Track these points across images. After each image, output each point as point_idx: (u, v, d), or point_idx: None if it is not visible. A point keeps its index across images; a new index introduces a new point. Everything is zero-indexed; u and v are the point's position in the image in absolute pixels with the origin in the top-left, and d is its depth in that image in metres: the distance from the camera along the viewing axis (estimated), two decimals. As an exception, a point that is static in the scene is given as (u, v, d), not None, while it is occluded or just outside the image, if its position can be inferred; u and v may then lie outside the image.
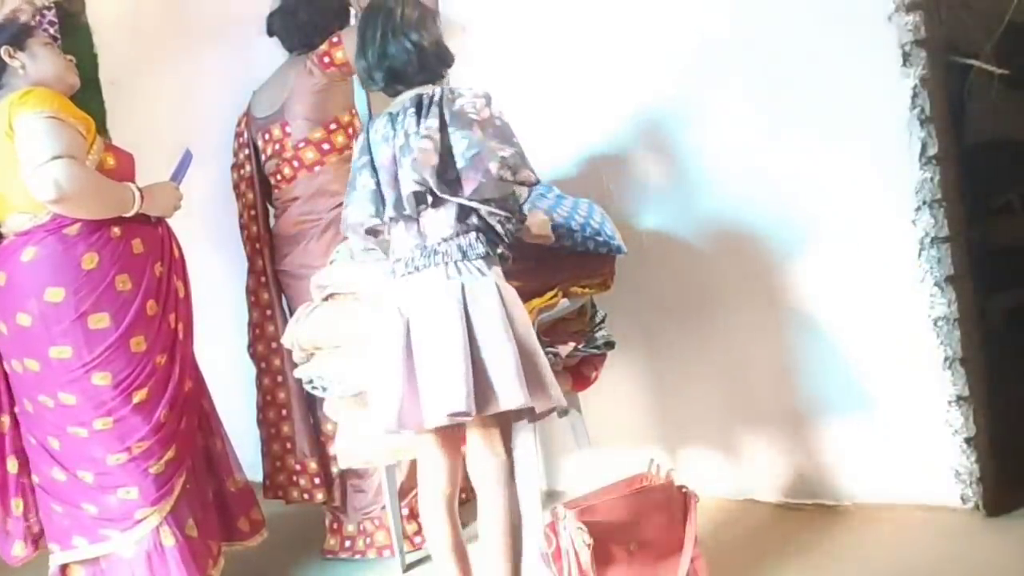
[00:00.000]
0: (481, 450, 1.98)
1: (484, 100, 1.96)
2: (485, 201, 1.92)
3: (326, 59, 2.73)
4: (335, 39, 2.72)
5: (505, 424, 1.99)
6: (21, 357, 2.37)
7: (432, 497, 2.03)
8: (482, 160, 1.89)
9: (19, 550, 2.46)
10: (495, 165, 1.89)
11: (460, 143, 1.91)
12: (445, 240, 1.95)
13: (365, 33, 2.05)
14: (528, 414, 1.98)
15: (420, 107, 1.97)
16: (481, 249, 1.95)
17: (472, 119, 1.93)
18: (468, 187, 1.89)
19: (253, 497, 2.68)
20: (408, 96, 2.01)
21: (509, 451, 1.99)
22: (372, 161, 2.03)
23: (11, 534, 2.46)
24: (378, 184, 2.00)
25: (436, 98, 1.97)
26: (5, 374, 2.45)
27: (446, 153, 1.92)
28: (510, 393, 1.85)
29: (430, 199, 1.94)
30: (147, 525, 2.38)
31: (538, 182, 2.01)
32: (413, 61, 2.01)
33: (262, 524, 2.68)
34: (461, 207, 1.94)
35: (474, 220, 1.96)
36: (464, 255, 1.94)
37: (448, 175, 1.91)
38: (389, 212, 1.98)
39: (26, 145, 2.21)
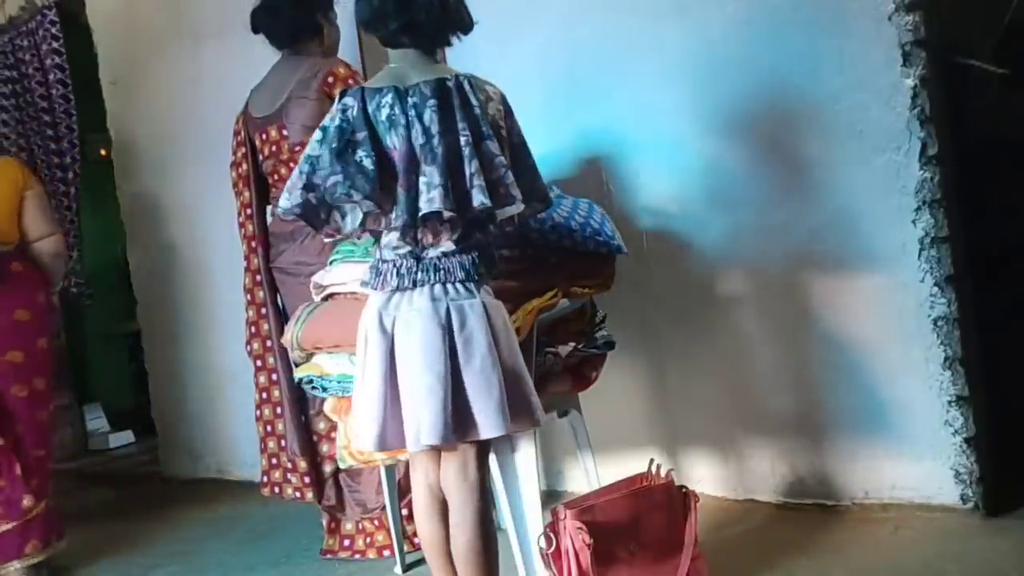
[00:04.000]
0: (453, 471, 1.96)
1: (505, 108, 1.91)
2: (498, 224, 1.91)
3: (325, 88, 2.72)
4: (331, 78, 2.72)
5: (482, 446, 1.96)
6: (5, 351, 2.88)
7: (424, 500, 2.02)
8: (508, 183, 1.81)
9: None
10: (521, 192, 1.84)
11: (489, 157, 1.81)
12: (446, 256, 1.87)
13: None
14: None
15: (442, 99, 1.81)
16: (475, 271, 1.88)
17: (499, 128, 1.87)
18: (498, 204, 1.82)
19: None
20: (422, 78, 1.85)
21: (483, 473, 1.96)
22: (372, 138, 1.82)
23: None
24: (377, 166, 1.80)
25: (457, 93, 1.82)
26: None
27: (460, 161, 1.79)
28: (491, 423, 1.83)
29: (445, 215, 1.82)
30: None
31: (551, 203, 2.02)
32: (435, 17, 1.88)
33: None
34: (469, 223, 1.86)
35: (478, 236, 1.89)
36: (455, 276, 1.86)
37: (461, 186, 1.79)
38: (401, 218, 1.80)
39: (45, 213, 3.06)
